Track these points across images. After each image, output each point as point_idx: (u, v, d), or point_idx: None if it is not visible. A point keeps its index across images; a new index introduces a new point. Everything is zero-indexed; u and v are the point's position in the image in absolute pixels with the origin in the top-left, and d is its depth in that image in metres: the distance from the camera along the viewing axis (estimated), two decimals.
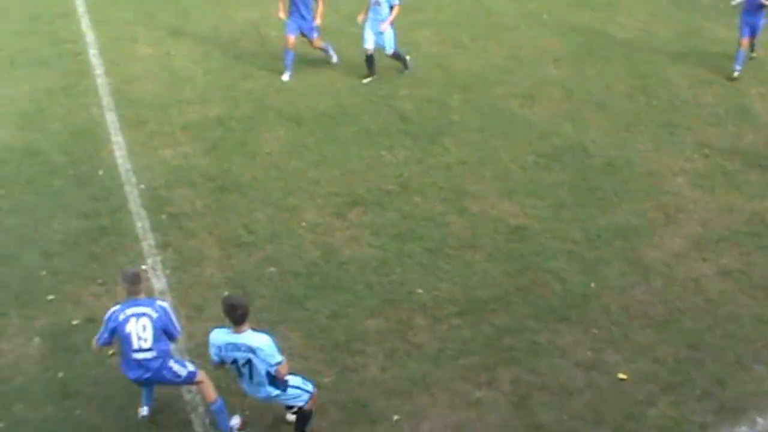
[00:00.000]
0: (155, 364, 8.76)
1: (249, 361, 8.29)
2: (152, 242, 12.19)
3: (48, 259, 12.00)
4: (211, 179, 13.52)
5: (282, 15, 16.47)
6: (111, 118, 15.52)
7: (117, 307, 8.77)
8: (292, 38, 16.38)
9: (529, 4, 20.73)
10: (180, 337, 9.27)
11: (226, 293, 9.18)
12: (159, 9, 20.39)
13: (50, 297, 11.20)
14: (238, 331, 8.26)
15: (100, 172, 13.84)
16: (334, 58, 17.19)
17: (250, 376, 8.41)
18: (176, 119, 15.39)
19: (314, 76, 16.85)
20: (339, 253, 11.86)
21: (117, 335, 8.73)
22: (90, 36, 19.01)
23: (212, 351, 8.45)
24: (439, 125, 15.22)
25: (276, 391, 8.59)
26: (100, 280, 11.49)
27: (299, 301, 10.98)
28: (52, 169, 14.08)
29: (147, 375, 8.81)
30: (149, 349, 8.68)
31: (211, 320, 10.59)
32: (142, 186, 13.41)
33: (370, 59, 16.44)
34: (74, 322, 10.72)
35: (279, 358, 8.36)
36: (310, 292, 11.12)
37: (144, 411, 9.30)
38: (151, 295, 10.59)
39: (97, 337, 8.86)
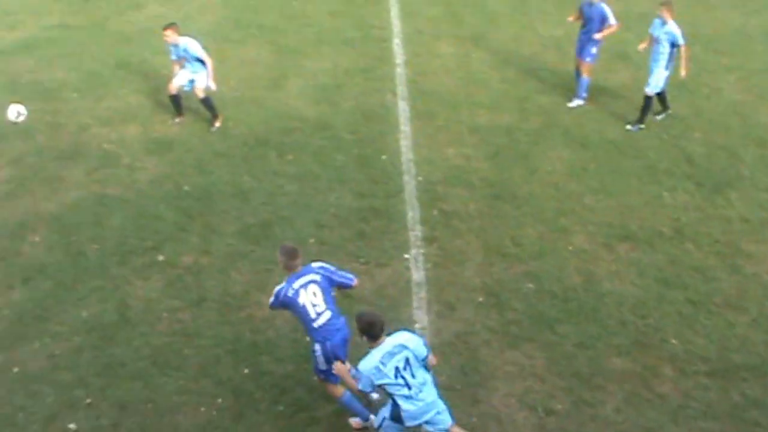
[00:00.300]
0: (340, 321, 8.94)
1: (407, 360, 8.23)
2: (419, 234, 12.47)
3: (318, 229, 12.60)
4: (488, 185, 13.62)
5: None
6: (402, 107, 16.00)
7: (282, 284, 8.96)
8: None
9: None
10: (354, 283, 9.36)
11: (364, 310, 9.04)
12: (466, 10, 20.76)
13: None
14: (380, 343, 8.27)
15: (383, 157, 14.33)
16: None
17: (413, 375, 8.26)
18: (465, 120, 15.62)
19: (606, 103, 16.50)
20: (600, 284, 11.59)
21: (294, 312, 8.95)
22: (396, 25, 19.70)
23: (368, 382, 8.27)
24: (727, 176, 14.42)
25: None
26: (362, 259, 11.93)
27: (550, 323, 10.85)
28: (338, 145, 14.74)
29: (343, 333, 8.95)
30: (325, 310, 8.87)
31: (461, 322, 10.75)
32: (420, 178, 13.74)
33: (661, 95, 15.85)
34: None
35: (425, 349, 8.40)
36: (562, 317, 10.96)
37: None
38: (407, 288, 10.90)
39: (270, 300, 9.12)
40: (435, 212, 12.92)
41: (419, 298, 11.23)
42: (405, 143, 14.76)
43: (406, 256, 11.96)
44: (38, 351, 10.55)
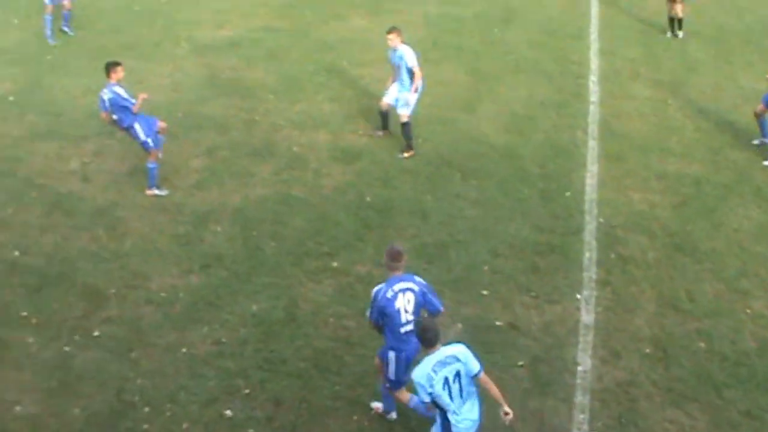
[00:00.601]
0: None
1: (458, 373, 8.23)
2: (594, 276, 12.39)
3: (493, 257, 12.75)
4: (669, 234, 13.37)
5: None
6: (592, 146, 15.93)
7: (382, 285, 9.04)
8: None
9: None
10: (441, 310, 9.31)
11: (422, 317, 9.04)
12: (666, 54, 20.44)
13: (484, 292, 11.94)
14: (433, 351, 8.25)
15: (567, 194, 14.32)
16: None
17: (460, 391, 8.25)
18: (654, 165, 15.38)
19: None
20: None
21: (385, 314, 8.96)
22: (594, 62, 19.62)
23: (424, 391, 8.21)
24: None
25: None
26: (533, 293, 11.97)
27: (717, 386, 10.52)
28: (524, 176, 14.84)
29: (417, 346, 8.78)
30: (412, 321, 8.94)
31: (624, 370, 10.62)
32: (602, 220, 13.65)
33: None
34: (497, 323, 11.32)
35: (478, 365, 8.31)
36: (731, 381, 10.61)
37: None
38: (575, 329, 10.89)
39: (368, 313, 9.21)
40: (612, 255, 12.80)
41: (585, 341, 11.16)
42: (590, 183, 14.69)
43: (578, 296, 11.92)
44: (207, 336, 11.14)
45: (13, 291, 11.93)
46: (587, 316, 11.58)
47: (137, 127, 13.74)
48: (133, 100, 13.55)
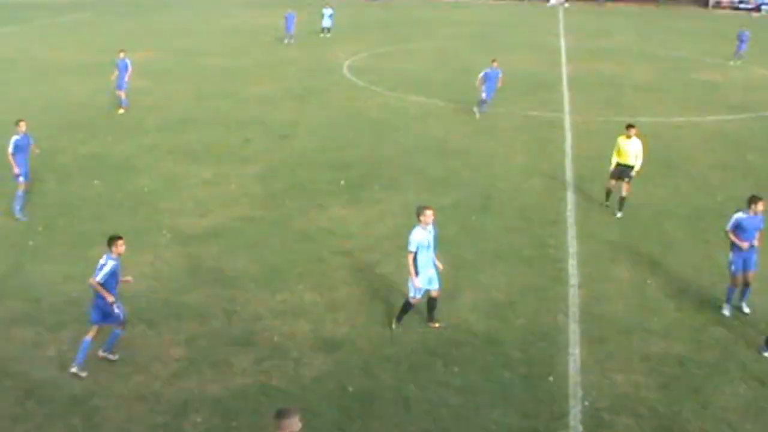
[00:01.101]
0: None
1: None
2: None
3: None
4: (656, 416, 13.06)
5: None
6: (573, 329, 15.83)
7: None
8: None
9: None
10: None
11: None
12: (644, 235, 20.72)
13: None
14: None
15: (550, 378, 14.10)
16: None
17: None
18: (637, 347, 15.23)
19: None
20: None
21: None
22: (573, 246, 19.80)
23: None
24: None
25: None
26: None
27: None
28: (506, 362, 14.65)
29: None
30: None
31: None
32: (587, 403, 13.38)
33: None
34: None
35: None
36: None
37: None
38: None
39: None
40: None
41: None
42: (573, 366, 14.49)
43: None
44: None
45: None
46: None
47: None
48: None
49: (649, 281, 18.02)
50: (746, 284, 16.55)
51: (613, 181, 22.07)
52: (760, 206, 16.24)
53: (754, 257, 16.53)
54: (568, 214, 21.96)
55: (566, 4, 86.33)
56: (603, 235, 20.54)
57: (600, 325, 15.99)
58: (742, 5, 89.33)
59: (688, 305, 16.98)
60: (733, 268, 16.52)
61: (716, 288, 17.52)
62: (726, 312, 16.55)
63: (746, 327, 16.05)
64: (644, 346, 15.27)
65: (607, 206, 22.29)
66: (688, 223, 21.71)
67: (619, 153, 21.93)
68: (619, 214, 21.83)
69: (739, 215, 16.39)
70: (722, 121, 33.82)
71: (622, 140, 21.89)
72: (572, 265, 18.70)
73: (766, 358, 14.92)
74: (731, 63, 49.28)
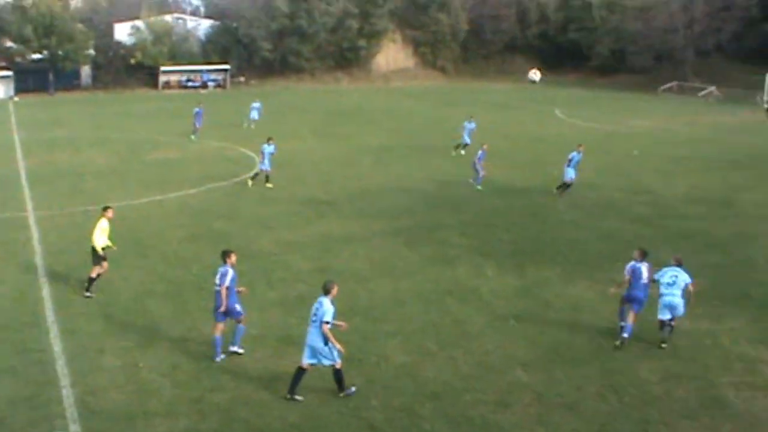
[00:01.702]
0: None
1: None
2: None
3: None
4: None
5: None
6: (74, 430, 15.02)
7: None
8: None
9: (496, 310, 21.07)
10: None
11: None
12: (129, 320, 20.40)
13: None
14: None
15: None
16: None
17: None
18: (141, 430, 14.91)
19: (285, 387, 16.53)
20: None
21: None
22: (58, 345, 18.85)
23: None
24: None
25: None
26: None
27: None
28: None
29: None
30: None
31: None
32: None
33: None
34: None
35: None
36: None
37: None
38: None
39: None
40: None
41: None
42: None
43: None
44: None
45: None
46: None
47: None
48: None
49: (141, 364, 17.75)
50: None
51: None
52: (233, 258, 17.98)
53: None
54: (48, 313, 20.89)
55: (16, 98, 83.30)
56: (87, 328, 19.86)
57: (100, 419, 15.40)
58: (189, 83, 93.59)
59: (183, 379, 17.09)
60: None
61: (208, 354, 17.89)
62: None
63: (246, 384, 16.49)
64: (149, 428, 15.06)
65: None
66: (169, 298, 21.92)
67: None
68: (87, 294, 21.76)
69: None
70: (186, 195, 34.93)
71: (102, 222, 22.01)
72: (61, 365, 17.78)
73: (265, 413, 15.51)
74: (192, 138, 51.00)
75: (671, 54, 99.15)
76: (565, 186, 35.14)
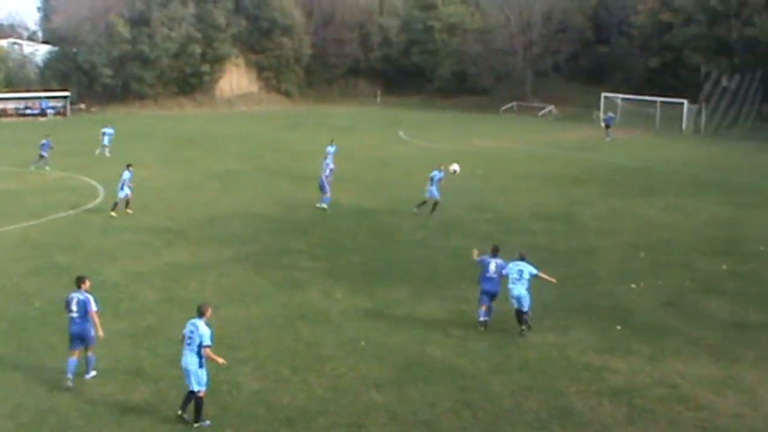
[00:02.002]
0: None
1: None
2: None
3: None
4: None
5: None
6: None
7: None
8: None
9: (348, 332, 21.23)
10: None
11: None
12: None
13: None
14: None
15: None
16: None
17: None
18: None
19: (137, 421, 16.14)
20: None
21: None
22: None
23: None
24: None
25: None
26: None
27: None
28: None
29: None
30: None
31: None
32: None
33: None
34: None
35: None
36: None
37: None
38: None
39: None
40: None
41: None
42: None
43: None
44: None
45: None
46: None
47: None
48: None
49: None
50: None
51: None
52: (87, 284, 18.02)
53: None
54: None
55: None
56: None
57: None
58: (28, 111, 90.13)
59: (28, 418, 16.47)
60: None
61: None
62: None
63: None
64: None
65: None
66: (11, 335, 20.97)
67: None
68: None
69: None
70: (27, 227, 33.59)
71: None
72: None
73: None
74: (33, 168, 48.96)
75: (511, 75, 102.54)
76: (423, 203, 36.25)
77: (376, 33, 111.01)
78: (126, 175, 35.90)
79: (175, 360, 17.32)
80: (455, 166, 37.27)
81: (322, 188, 37.32)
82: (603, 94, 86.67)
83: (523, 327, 21.16)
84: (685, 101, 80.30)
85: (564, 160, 55.27)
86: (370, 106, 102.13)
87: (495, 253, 21.84)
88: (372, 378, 18.58)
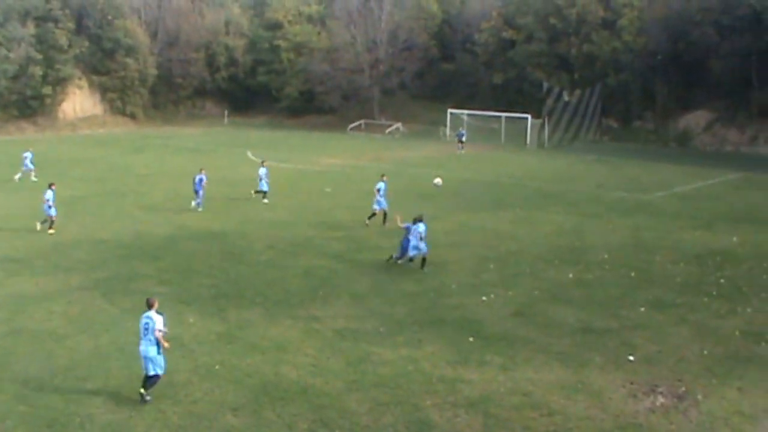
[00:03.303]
0: None
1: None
2: None
3: None
4: None
5: None
6: None
7: None
8: None
9: (201, 357, 21.04)
10: None
11: None
12: None
13: None
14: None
15: None
16: None
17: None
18: None
19: None
20: None
21: None
22: None
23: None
24: None
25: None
26: None
27: None
28: None
29: None
30: None
31: None
32: None
33: None
34: None
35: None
36: None
37: None
38: None
39: None
40: None
41: None
42: None
43: None
44: None
45: None
46: None
47: None
48: None
49: None
50: None
51: None
52: None
53: None
54: None
55: None
56: None
57: None
58: None
59: None
60: None
61: None
62: None
63: None
64: None
65: None
66: None
67: None
68: None
69: None
70: None
71: None
72: None
73: None
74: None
75: (358, 93, 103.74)
76: (373, 215, 39.11)
77: (222, 53, 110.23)
78: (49, 194, 36.89)
79: (23, 396, 16.85)
80: (438, 180, 40.54)
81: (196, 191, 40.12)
82: (449, 111, 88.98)
83: (423, 267, 29.91)
84: (529, 116, 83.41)
85: (412, 177, 56.29)
86: (218, 127, 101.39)
87: (417, 221, 30.30)
88: (228, 402, 18.50)
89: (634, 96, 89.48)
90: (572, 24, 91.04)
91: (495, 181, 54.10)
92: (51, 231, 36.42)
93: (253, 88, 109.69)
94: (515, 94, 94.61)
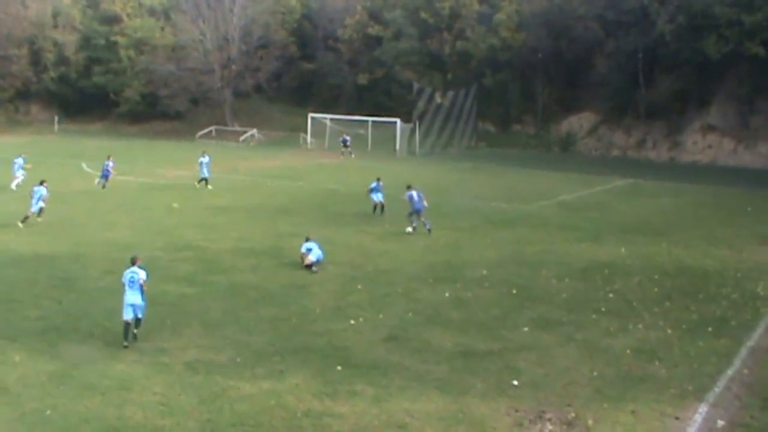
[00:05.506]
0: None
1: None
2: None
3: None
4: None
5: None
6: None
7: None
8: None
9: (29, 403, 20.24)
10: None
11: None
12: None
13: None
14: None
15: None
16: None
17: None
18: None
19: None
20: None
21: None
22: None
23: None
24: None
25: None
26: None
27: None
28: None
29: None
30: None
31: None
32: None
33: None
34: None
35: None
36: None
37: None
38: None
39: None
40: None
41: None
42: None
43: None
44: None
45: None
46: None
47: None
48: None
49: None
50: None
51: None
52: None
53: None
54: None
55: None
56: None
57: None
58: None
59: None
60: None
61: None
62: None
63: None
64: None
65: None
66: None
67: None
68: None
69: None
70: None
71: None
72: None
73: None
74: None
75: (208, 96, 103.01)
76: (375, 208, 46.85)
77: (50, 49, 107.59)
78: (43, 191, 42.56)
79: None
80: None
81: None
82: (310, 115, 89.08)
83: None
84: (398, 120, 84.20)
85: (268, 190, 56.01)
86: (47, 135, 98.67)
87: (410, 188, 41.31)
88: None
89: (512, 97, 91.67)
90: (445, 19, 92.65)
91: (360, 193, 54.20)
92: (39, 219, 42.22)
93: (88, 90, 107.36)
94: (383, 97, 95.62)
